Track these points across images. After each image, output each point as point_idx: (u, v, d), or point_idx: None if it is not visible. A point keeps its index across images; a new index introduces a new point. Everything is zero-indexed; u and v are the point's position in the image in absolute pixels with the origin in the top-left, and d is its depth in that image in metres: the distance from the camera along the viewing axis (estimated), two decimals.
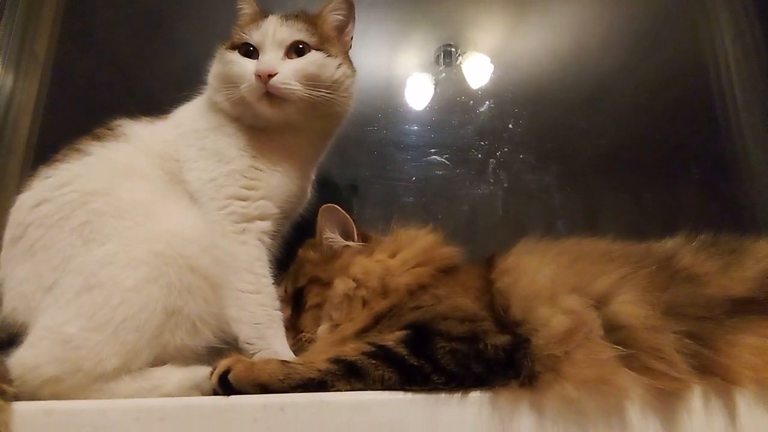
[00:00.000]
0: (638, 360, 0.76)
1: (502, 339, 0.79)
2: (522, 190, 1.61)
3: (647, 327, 0.78)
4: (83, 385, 0.82)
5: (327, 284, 1.05)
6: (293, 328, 1.07)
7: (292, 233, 1.17)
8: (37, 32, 1.67)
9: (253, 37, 1.09)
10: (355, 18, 1.19)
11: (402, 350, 0.79)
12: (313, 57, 1.08)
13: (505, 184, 1.60)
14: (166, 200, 0.99)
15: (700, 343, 0.76)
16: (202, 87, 1.18)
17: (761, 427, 0.74)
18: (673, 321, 0.78)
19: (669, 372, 0.74)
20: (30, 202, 0.96)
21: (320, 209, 1.13)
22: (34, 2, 1.68)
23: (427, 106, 1.71)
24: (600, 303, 0.82)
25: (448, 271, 1.01)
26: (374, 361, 0.78)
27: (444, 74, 1.75)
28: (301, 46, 1.09)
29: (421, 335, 0.81)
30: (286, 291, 1.13)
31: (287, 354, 0.98)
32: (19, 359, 0.83)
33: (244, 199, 1.05)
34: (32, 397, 0.81)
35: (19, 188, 1.03)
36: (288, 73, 1.05)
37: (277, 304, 1.03)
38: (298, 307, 1.10)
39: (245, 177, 1.06)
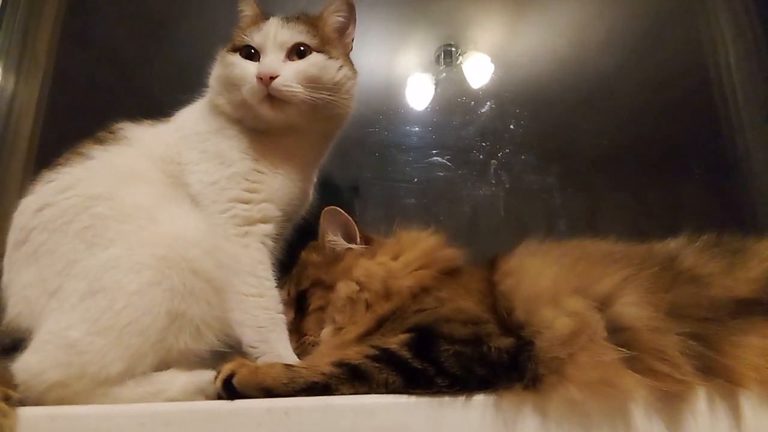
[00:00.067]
0: (642, 362, 0.75)
1: (506, 341, 0.79)
2: (524, 190, 1.61)
3: (651, 328, 0.78)
4: (88, 390, 0.82)
5: (330, 287, 1.05)
6: (296, 331, 1.07)
7: (294, 236, 1.17)
8: (38, 34, 1.67)
9: (255, 39, 1.09)
10: (356, 20, 1.19)
11: (405, 353, 0.79)
12: (314, 59, 1.08)
13: (507, 185, 1.60)
14: (168, 203, 0.99)
15: (703, 345, 0.76)
16: (203, 89, 1.18)
17: (766, 429, 0.74)
18: (677, 322, 0.78)
19: (673, 374, 0.74)
20: (33, 206, 0.96)
21: (322, 212, 1.13)
22: (35, 4, 1.68)
23: (427, 107, 1.71)
24: (603, 305, 0.82)
25: (450, 273, 1.01)
26: (378, 365, 0.78)
27: (444, 74, 1.75)
28: (302, 48, 1.08)
29: (424, 338, 0.81)
30: (288, 294, 1.12)
31: (291, 357, 0.98)
32: (24, 364, 0.84)
33: (246, 202, 1.05)
34: (37, 402, 0.81)
35: (21, 191, 1.03)
36: (289, 75, 1.05)
37: (280, 307, 1.03)
38: (301, 310, 1.10)
39: (247, 180, 1.06)
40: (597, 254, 0.94)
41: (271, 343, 0.98)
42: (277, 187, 1.08)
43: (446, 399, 0.76)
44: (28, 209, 0.97)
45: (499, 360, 0.77)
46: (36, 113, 1.62)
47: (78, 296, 0.86)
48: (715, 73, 1.69)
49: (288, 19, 1.11)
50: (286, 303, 1.09)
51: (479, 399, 0.76)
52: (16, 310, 0.92)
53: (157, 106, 1.18)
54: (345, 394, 0.77)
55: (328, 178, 1.37)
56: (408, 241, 1.08)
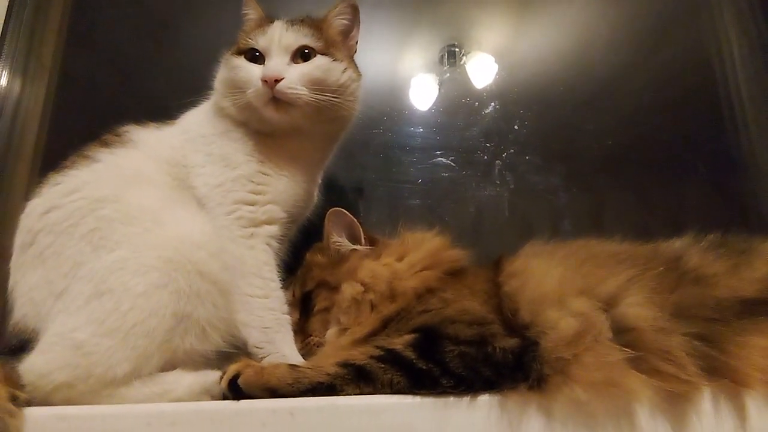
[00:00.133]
0: (647, 362, 0.76)
1: (511, 342, 0.79)
2: (528, 191, 1.61)
3: (656, 329, 0.78)
4: (94, 391, 0.82)
5: (335, 288, 1.06)
6: (301, 332, 1.08)
7: (299, 237, 1.18)
8: (43, 38, 1.68)
9: (259, 42, 1.09)
10: (360, 22, 1.19)
11: (410, 354, 0.79)
12: (318, 62, 1.09)
13: (512, 186, 1.60)
14: (174, 206, 0.99)
15: (709, 345, 0.76)
16: (208, 92, 1.18)
17: None
18: (682, 323, 0.78)
19: (678, 374, 0.74)
20: (40, 209, 0.97)
21: (327, 213, 1.14)
22: (41, 8, 1.69)
23: (431, 108, 1.71)
24: (608, 305, 0.82)
25: (455, 274, 1.01)
26: (383, 365, 0.78)
27: (448, 75, 1.74)
28: (306, 50, 1.09)
29: (429, 339, 0.81)
30: (294, 295, 1.13)
31: (296, 358, 0.98)
32: (31, 365, 0.84)
33: (251, 204, 1.05)
34: (44, 402, 0.82)
35: (27, 194, 1.04)
36: (294, 77, 1.05)
37: (286, 308, 1.04)
38: (306, 311, 1.10)
39: (252, 182, 1.06)
40: (602, 255, 0.94)
41: (277, 343, 0.99)
42: (282, 189, 1.09)
43: (451, 399, 0.76)
44: (34, 212, 0.98)
45: (504, 360, 0.77)
46: (42, 116, 1.63)
47: (84, 298, 0.87)
48: (719, 72, 1.68)
49: (292, 22, 1.12)
50: (291, 304, 1.09)
51: (484, 399, 0.76)
52: (22, 312, 0.92)
53: (163, 109, 1.18)
54: (350, 395, 0.77)
55: (333, 180, 1.37)
56: (413, 242, 1.08)
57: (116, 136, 1.09)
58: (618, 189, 1.64)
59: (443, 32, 1.80)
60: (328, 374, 0.78)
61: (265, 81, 1.04)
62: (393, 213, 1.59)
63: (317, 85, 1.06)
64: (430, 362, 0.77)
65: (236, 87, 1.09)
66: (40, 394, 0.82)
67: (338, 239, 1.13)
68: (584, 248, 0.96)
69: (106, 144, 1.06)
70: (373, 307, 0.99)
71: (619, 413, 0.74)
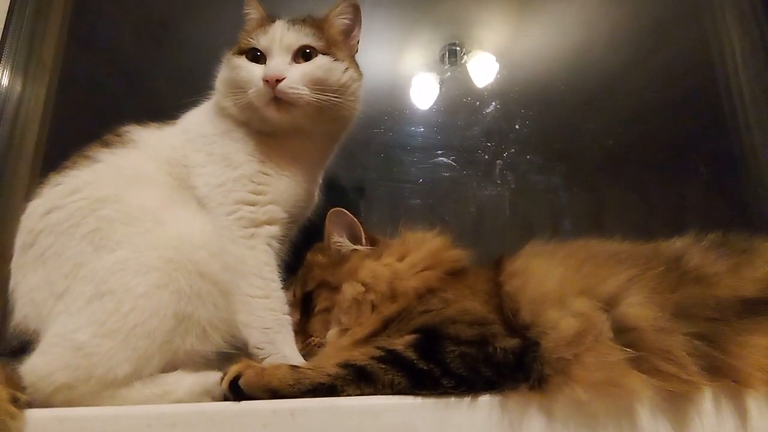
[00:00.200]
0: (648, 362, 0.75)
1: (512, 342, 0.79)
2: (529, 190, 1.61)
3: (656, 329, 0.78)
4: (95, 392, 0.83)
5: (336, 288, 1.06)
6: (302, 332, 1.08)
7: (300, 237, 1.18)
8: (44, 38, 1.68)
9: (261, 42, 1.09)
10: (361, 22, 1.19)
11: (411, 354, 0.79)
12: (320, 61, 1.09)
13: (513, 185, 1.60)
14: (175, 206, 0.99)
15: (710, 345, 0.76)
16: (209, 92, 1.18)
17: None
18: (683, 322, 0.78)
19: (679, 374, 0.74)
20: (40, 209, 0.97)
21: (328, 213, 1.14)
22: (42, 8, 1.69)
23: (432, 107, 1.71)
24: (609, 305, 0.82)
25: (456, 274, 1.01)
26: (384, 366, 0.78)
27: (449, 74, 1.74)
28: (308, 50, 1.09)
29: (430, 339, 0.81)
30: (294, 295, 1.13)
31: (297, 359, 0.98)
32: (32, 366, 0.84)
33: (252, 204, 1.05)
34: (45, 404, 0.82)
35: (28, 194, 1.04)
36: (295, 77, 1.05)
37: (286, 308, 1.04)
38: (306, 312, 1.10)
39: (253, 182, 1.06)
40: (602, 254, 0.93)
41: (277, 344, 0.99)
42: (282, 189, 1.09)
43: (452, 400, 0.76)
44: (35, 212, 0.98)
45: (504, 361, 0.77)
46: (43, 116, 1.63)
47: (85, 299, 0.87)
48: (720, 72, 1.68)
49: (294, 22, 1.12)
50: (292, 304, 1.09)
51: (485, 400, 0.76)
52: (23, 313, 0.92)
53: (163, 109, 1.18)
54: (351, 395, 0.77)
55: (334, 180, 1.37)
56: (413, 242, 1.08)
57: (117, 136, 1.09)
58: (619, 189, 1.64)
59: (444, 31, 1.80)
60: (329, 375, 0.78)
61: (266, 81, 1.04)
62: (394, 213, 1.59)
63: (318, 85, 1.06)
64: (431, 363, 0.77)
65: (237, 87, 1.09)
66: (41, 395, 0.82)
67: (339, 239, 1.13)
68: (585, 248, 0.96)
69: (106, 144, 1.06)
70: (373, 307, 0.99)
71: (620, 413, 0.74)
